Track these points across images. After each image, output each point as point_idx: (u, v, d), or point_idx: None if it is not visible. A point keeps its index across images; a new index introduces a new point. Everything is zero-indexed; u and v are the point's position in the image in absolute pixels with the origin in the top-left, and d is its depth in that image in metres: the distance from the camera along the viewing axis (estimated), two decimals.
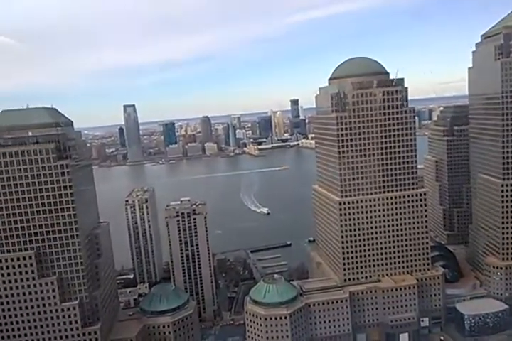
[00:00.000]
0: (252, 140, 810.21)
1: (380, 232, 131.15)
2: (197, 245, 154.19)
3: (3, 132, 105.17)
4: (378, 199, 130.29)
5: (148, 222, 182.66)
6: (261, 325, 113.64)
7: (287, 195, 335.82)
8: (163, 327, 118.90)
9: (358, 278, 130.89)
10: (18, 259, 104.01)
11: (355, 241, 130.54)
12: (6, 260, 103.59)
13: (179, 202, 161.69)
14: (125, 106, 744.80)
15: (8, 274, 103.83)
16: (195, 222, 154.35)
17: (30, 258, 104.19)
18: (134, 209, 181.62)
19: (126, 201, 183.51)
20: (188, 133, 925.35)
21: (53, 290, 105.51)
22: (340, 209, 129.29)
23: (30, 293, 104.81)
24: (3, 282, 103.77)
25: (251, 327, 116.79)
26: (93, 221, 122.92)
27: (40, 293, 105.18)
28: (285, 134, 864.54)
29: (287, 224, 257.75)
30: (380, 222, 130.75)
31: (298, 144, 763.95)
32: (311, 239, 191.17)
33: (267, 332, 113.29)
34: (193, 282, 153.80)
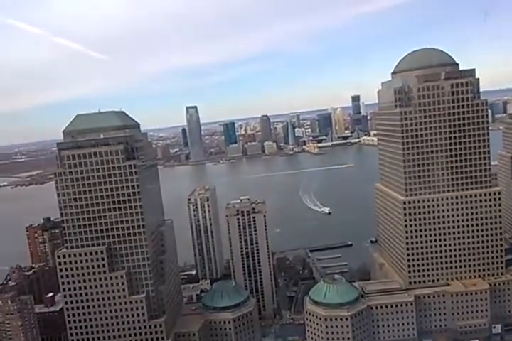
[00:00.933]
0: (311, 138, 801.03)
1: (449, 233, 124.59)
2: (256, 243, 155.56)
3: (78, 135, 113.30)
4: (447, 198, 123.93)
5: (210, 219, 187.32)
6: (321, 325, 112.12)
7: (349, 193, 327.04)
8: (224, 323, 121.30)
9: (424, 281, 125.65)
10: (91, 254, 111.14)
11: (421, 242, 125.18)
12: (80, 254, 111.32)
13: (239, 201, 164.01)
14: (187, 108, 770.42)
15: (82, 268, 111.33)
16: (254, 221, 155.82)
17: (102, 252, 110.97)
18: (196, 208, 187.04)
19: (189, 199, 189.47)
20: (247, 133, 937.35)
21: (122, 284, 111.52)
22: (405, 209, 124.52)
23: (101, 286, 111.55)
24: (78, 275, 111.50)
25: (311, 327, 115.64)
26: (158, 218, 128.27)
27: (111, 286, 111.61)
28: (346, 131, 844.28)
29: (348, 223, 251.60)
30: (448, 222, 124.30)
31: (359, 141, 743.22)
32: (374, 239, 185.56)
33: (327, 333, 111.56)
34: (253, 280, 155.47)
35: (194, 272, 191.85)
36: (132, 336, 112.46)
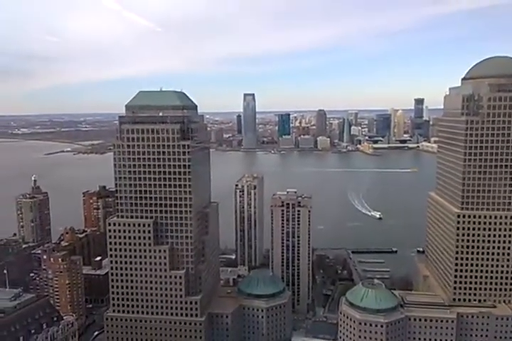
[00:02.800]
0: (367, 138, 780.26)
1: (503, 254, 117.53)
2: (298, 237, 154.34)
3: (139, 110, 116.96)
4: (505, 217, 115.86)
5: (255, 208, 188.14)
6: (354, 328, 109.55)
7: (403, 199, 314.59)
8: (258, 310, 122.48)
9: (469, 300, 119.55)
10: (139, 225, 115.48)
11: (472, 259, 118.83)
12: (129, 224, 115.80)
13: (285, 193, 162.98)
14: (245, 95, 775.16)
15: (130, 237, 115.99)
16: (298, 214, 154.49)
17: (149, 225, 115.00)
18: (243, 194, 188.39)
19: (236, 185, 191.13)
20: (302, 126, 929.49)
21: (165, 258, 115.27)
22: (459, 222, 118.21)
23: (145, 257, 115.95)
24: (125, 243, 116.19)
25: (344, 328, 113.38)
26: (205, 200, 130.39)
27: (154, 259, 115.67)
28: (404, 135, 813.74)
29: (396, 230, 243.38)
30: (504, 242, 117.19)
31: (417, 147, 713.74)
32: (420, 249, 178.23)
33: (359, 337, 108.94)
34: (290, 273, 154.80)
35: (233, 257, 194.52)
36: (168, 309, 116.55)
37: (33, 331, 73.51)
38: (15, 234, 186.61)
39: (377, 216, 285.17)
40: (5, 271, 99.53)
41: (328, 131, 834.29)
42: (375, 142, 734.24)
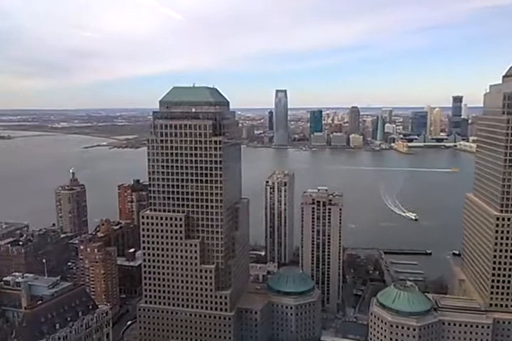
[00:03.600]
0: (401, 136, 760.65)
1: None
2: (329, 235, 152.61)
3: (172, 106, 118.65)
4: None
5: (285, 205, 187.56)
6: (385, 330, 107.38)
7: (440, 200, 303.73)
8: (287, 307, 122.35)
9: (506, 305, 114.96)
10: (171, 219, 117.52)
11: (510, 263, 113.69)
12: (162, 218, 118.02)
13: (316, 190, 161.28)
14: (277, 91, 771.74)
15: (162, 230, 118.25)
16: (329, 212, 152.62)
17: (180, 219, 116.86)
18: (273, 191, 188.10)
19: (267, 182, 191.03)
20: (334, 123, 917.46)
21: (195, 252, 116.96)
22: (498, 225, 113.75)
23: (177, 251, 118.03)
24: (157, 236, 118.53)
25: (374, 330, 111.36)
26: (236, 195, 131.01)
27: (185, 252, 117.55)
28: (441, 133, 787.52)
29: (431, 231, 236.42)
30: None
31: (455, 146, 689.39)
32: (456, 252, 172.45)
33: (391, 339, 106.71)
34: (320, 271, 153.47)
35: (263, 253, 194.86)
36: (199, 302, 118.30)
37: (69, 318, 76.14)
38: (54, 224, 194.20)
39: (413, 217, 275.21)
40: (44, 260, 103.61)
41: (361, 128, 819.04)
42: (410, 140, 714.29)
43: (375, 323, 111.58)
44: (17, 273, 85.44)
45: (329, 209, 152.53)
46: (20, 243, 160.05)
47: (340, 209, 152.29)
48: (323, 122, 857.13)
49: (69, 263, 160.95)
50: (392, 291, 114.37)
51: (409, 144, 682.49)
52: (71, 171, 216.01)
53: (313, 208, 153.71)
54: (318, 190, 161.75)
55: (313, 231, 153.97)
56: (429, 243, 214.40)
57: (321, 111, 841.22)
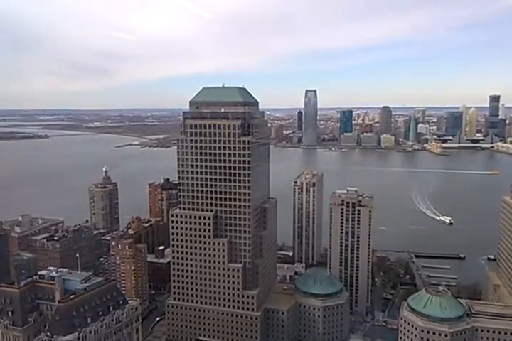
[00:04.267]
0: (435, 136, 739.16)
1: None
2: (358, 237, 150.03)
3: (202, 106, 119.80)
4: None
5: (313, 205, 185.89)
6: (416, 335, 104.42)
7: (477, 203, 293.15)
8: (314, 309, 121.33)
9: None
10: (200, 217, 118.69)
11: None
12: (190, 216, 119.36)
13: (345, 191, 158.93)
14: (307, 91, 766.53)
15: (191, 229, 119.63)
16: (359, 214, 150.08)
17: (209, 218, 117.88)
18: (301, 191, 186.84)
19: (295, 182, 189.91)
20: (365, 123, 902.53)
21: (223, 251, 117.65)
22: None
23: (205, 249, 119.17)
24: (186, 234, 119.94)
25: (404, 335, 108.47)
26: (263, 195, 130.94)
27: (213, 251, 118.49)
28: (477, 134, 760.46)
29: (465, 234, 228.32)
30: None
31: (492, 147, 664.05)
32: (491, 256, 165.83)
33: None
34: (349, 273, 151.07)
35: (291, 253, 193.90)
36: (226, 301, 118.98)
37: (100, 312, 78.04)
38: (87, 221, 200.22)
39: (448, 221, 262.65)
40: (77, 255, 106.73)
41: (393, 128, 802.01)
42: (444, 141, 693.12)
43: (405, 328, 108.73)
44: (52, 268, 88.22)
45: (359, 210, 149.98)
46: (56, 238, 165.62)
47: (370, 211, 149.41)
48: (354, 122, 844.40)
49: (101, 259, 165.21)
50: (423, 296, 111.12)
51: (443, 145, 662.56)
52: (104, 169, 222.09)
53: (342, 209, 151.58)
54: (348, 190, 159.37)
55: (341, 233, 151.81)
56: (462, 247, 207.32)
57: (351, 111, 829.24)
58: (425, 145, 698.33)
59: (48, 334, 71.42)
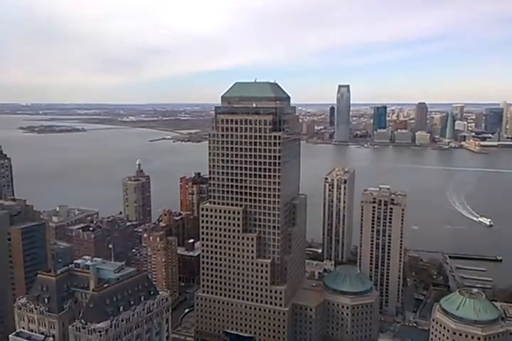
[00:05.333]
0: (473, 134, 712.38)
1: None
2: (389, 236, 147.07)
3: (234, 101, 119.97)
4: None
5: (344, 202, 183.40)
6: (447, 338, 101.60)
7: None
8: (343, 307, 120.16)
9: None
10: (229, 212, 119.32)
11: None
12: (220, 210, 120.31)
13: (378, 189, 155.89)
14: (340, 86, 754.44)
15: (220, 223, 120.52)
16: (391, 212, 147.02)
17: (238, 213, 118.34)
18: (332, 188, 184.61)
19: (326, 179, 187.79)
20: (399, 119, 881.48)
21: (252, 245, 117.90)
22: None
23: (234, 243, 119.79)
24: (216, 229, 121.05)
25: (436, 336, 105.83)
26: (293, 191, 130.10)
27: (242, 246, 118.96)
28: None
29: (503, 236, 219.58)
30: None
31: None
32: None
33: None
34: (379, 272, 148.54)
35: (320, 250, 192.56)
36: (254, 295, 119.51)
37: (132, 302, 79.94)
38: (120, 213, 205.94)
39: (487, 223, 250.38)
40: (111, 246, 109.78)
41: (429, 125, 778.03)
42: (483, 139, 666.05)
43: (436, 330, 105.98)
44: (86, 257, 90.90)
45: (391, 208, 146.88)
46: (91, 229, 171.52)
47: (403, 210, 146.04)
48: (388, 118, 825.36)
49: (133, 250, 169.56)
50: (456, 297, 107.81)
51: (482, 143, 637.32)
52: (137, 163, 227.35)
53: (373, 207, 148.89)
54: (380, 188, 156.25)
55: (372, 231, 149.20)
56: (500, 249, 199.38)
57: (385, 107, 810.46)
58: (463, 142, 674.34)
59: (82, 321, 73.86)
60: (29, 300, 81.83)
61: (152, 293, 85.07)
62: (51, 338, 77.99)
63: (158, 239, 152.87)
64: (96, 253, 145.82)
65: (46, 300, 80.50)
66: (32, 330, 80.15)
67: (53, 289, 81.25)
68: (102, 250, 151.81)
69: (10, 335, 78.87)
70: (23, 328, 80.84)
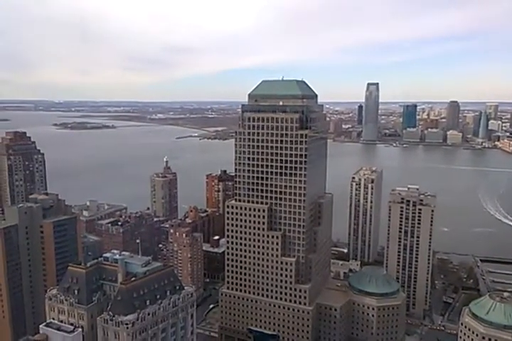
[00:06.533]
0: (508, 134, 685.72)
1: None
2: (418, 237, 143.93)
3: (261, 99, 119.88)
4: None
5: (371, 202, 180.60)
6: None
7: None
8: (368, 308, 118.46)
9: None
10: (255, 210, 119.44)
11: None
12: (245, 208, 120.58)
13: (406, 189, 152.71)
14: (368, 84, 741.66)
15: (245, 221, 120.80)
16: (419, 213, 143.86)
17: (264, 211, 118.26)
18: (359, 187, 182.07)
19: (353, 178, 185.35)
20: (430, 118, 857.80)
21: (277, 244, 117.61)
22: None
23: (259, 241, 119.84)
24: (241, 226, 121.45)
25: None
26: (319, 190, 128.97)
27: (267, 243, 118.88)
28: None
29: None
30: None
31: None
32: None
33: None
34: (406, 274, 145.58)
35: (345, 250, 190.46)
36: (278, 293, 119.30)
37: (158, 296, 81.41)
38: (148, 208, 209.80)
39: None
40: (138, 240, 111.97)
41: (461, 124, 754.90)
42: None
43: (465, 334, 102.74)
44: (115, 251, 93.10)
45: (419, 209, 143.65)
46: (119, 223, 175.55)
47: (433, 211, 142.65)
48: (418, 117, 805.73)
49: (160, 245, 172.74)
50: (487, 301, 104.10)
51: None
52: (165, 160, 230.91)
53: (401, 207, 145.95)
54: (409, 188, 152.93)
55: (400, 232, 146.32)
56: None
57: (415, 106, 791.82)
58: (496, 143, 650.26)
59: (110, 313, 75.76)
60: (60, 291, 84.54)
61: (178, 287, 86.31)
62: (80, 329, 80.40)
63: (184, 235, 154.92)
64: (124, 247, 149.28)
65: (76, 291, 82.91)
66: (62, 321, 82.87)
67: (83, 281, 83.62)
68: (130, 244, 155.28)
69: (40, 325, 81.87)
70: (53, 319, 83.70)
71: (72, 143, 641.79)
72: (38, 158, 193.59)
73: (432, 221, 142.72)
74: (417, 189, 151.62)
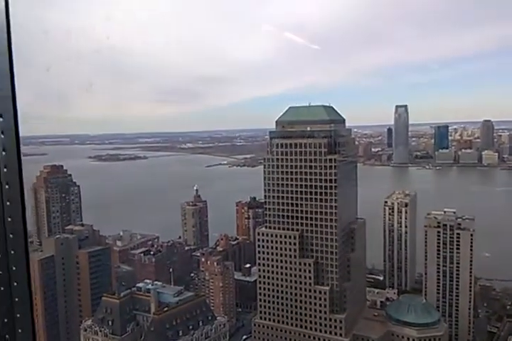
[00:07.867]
0: None
1: None
2: (457, 263, 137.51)
3: (288, 125, 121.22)
4: None
5: (406, 227, 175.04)
6: None
7: None
8: (408, 339, 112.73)
9: None
10: (285, 237, 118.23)
11: None
12: (276, 235, 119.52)
13: (442, 213, 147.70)
14: (397, 107, 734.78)
15: (276, 248, 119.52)
16: (458, 238, 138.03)
17: (295, 238, 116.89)
18: (393, 212, 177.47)
19: (386, 202, 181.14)
20: (463, 138, 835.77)
21: (309, 271, 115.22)
22: None
23: (290, 269, 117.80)
24: (272, 254, 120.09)
25: None
26: (351, 215, 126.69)
27: (299, 271, 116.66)
28: None
29: None
30: None
31: None
32: None
33: None
34: (447, 302, 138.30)
35: (381, 278, 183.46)
36: (312, 324, 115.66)
37: (190, 326, 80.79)
38: (179, 237, 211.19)
39: None
40: (170, 270, 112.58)
41: (496, 144, 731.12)
42: None
43: None
44: (147, 281, 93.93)
45: (458, 233, 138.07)
46: (152, 253, 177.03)
47: (472, 235, 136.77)
48: (450, 138, 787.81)
49: (191, 274, 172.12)
50: None
51: None
52: (195, 188, 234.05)
53: (438, 232, 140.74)
54: (445, 212, 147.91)
55: (438, 258, 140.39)
56: None
57: (447, 126, 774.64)
58: None
59: None
60: (94, 322, 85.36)
61: (210, 318, 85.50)
62: None
63: (215, 263, 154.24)
64: (156, 276, 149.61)
65: (110, 322, 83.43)
66: None
67: (117, 312, 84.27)
68: (162, 273, 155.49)
69: None
70: None
71: (106, 175, 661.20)
72: (74, 190, 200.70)
73: (471, 245, 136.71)
74: (454, 212, 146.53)
